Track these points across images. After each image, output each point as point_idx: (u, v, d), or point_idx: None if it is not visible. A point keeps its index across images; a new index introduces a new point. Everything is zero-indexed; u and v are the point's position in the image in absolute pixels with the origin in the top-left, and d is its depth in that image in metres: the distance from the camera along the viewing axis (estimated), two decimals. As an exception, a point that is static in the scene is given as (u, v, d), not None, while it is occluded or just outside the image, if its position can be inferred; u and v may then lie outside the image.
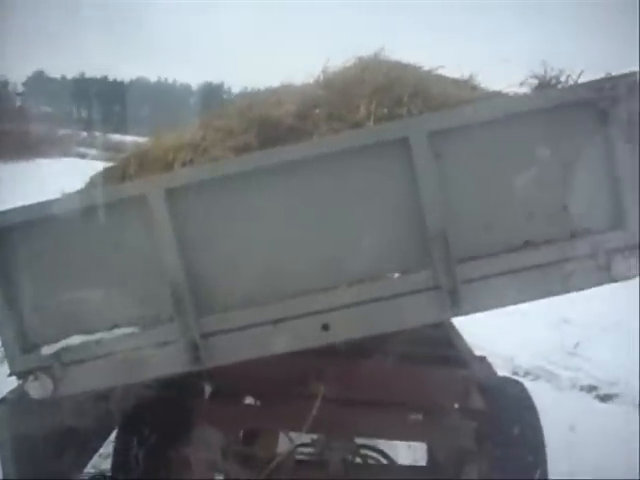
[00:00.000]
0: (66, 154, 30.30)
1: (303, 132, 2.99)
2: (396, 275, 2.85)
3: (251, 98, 3.57)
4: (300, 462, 3.84)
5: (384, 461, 4.00)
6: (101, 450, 4.07)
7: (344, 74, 3.27)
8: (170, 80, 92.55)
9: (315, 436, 3.77)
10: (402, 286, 2.83)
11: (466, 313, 2.91)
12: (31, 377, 2.86)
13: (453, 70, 3.35)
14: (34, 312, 2.88)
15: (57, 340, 2.87)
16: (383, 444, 4.17)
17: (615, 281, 2.81)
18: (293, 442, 3.58)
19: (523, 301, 2.85)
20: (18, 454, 3.00)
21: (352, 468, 3.86)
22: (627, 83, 2.74)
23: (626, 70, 2.78)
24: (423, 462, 4.45)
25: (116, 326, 2.88)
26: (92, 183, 3.40)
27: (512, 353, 8.94)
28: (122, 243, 2.87)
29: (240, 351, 2.87)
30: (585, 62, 2.95)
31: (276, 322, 2.83)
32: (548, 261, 2.79)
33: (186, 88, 77.30)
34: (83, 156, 26.63)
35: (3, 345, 2.89)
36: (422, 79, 3.20)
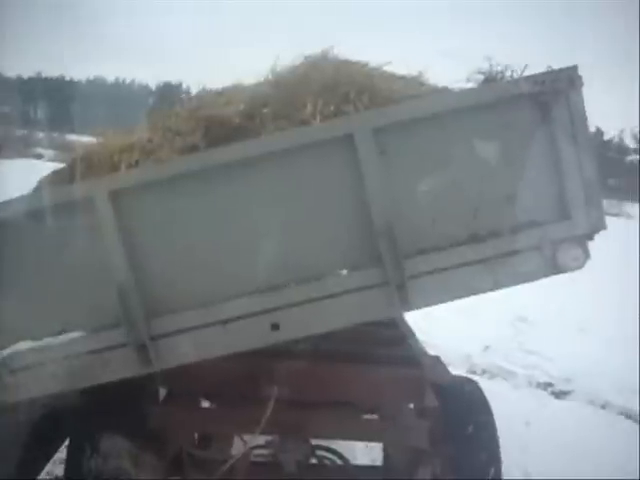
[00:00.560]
0: (22, 155, 29.83)
1: (250, 131, 2.97)
2: (344, 272, 2.86)
3: (201, 98, 3.54)
4: (255, 464, 3.82)
5: (339, 462, 4.00)
6: (55, 456, 4.00)
7: (292, 73, 3.27)
8: (128, 80, 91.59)
9: (270, 437, 3.75)
10: (351, 283, 2.83)
11: (415, 308, 2.93)
12: (-21, 384, 2.79)
13: (401, 68, 3.37)
14: None
15: (3, 347, 2.82)
16: (341, 445, 4.17)
17: (561, 272, 2.85)
18: (247, 444, 3.55)
19: (472, 294, 2.89)
20: None
21: (307, 469, 3.86)
22: (568, 76, 2.78)
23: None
24: (380, 462, 4.46)
25: (64, 331, 2.84)
26: (40, 186, 3.34)
27: (469, 352, 9.04)
28: (68, 246, 2.83)
29: (190, 352, 2.85)
30: (530, 60, 2.98)
31: (225, 322, 2.82)
32: (495, 253, 2.82)
33: (144, 88, 76.53)
34: (40, 157, 26.26)
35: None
36: (369, 76, 3.21)
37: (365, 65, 3.33)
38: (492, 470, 3.68)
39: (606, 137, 62.79)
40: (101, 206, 2.74)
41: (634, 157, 63.70)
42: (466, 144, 2.84)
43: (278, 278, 2.84)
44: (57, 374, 2.83)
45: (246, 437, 3.59)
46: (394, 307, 2.88)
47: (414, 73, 3.33)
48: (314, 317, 2.84)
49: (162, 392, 3.91)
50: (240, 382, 3.44)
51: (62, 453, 3.80)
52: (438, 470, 3.64)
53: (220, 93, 3.41)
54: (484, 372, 8.56)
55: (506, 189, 2.85)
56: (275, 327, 2.83)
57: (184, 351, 2.85)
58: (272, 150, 2.79)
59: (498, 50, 3.05)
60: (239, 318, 2.83)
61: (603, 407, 7.70)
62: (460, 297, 2.89)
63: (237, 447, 3.89)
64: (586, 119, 2.82)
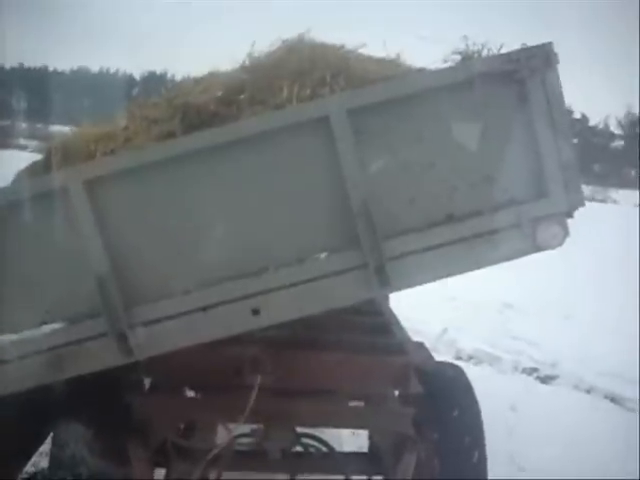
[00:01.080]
0: (5, 146, 29.61)
1: (227, 117, 2.94)
2: (323, 255, 2.83)
3: (178, 86, 3.51)
4: (240, 452, 3.82)
5: (324, 449, 4.00)
6: (41, 448, 3.99)
7: (268, 57, 3.24)
8: (112, 70, 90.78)
9: (255, 426, 3.75)
10: (330, 266, 2.81)
11: (396, 289, 2.93)
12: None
13: (378, 50, 3.35)
14: None
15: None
16: (327, 432, 4.17)
17: (541, 250, 2.84)
18: (231, 433, 3.55)
19: (452, 275, 2.86)
20: None
21: (292, 457, 3.85)
22: (544, 53, 2.76)
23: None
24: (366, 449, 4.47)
25: (44, 322, 2.81)
26: (17, 177, 3.32)
27: (455, 338, 9.09)
28: (47, 238, 2.80)
29: (171, 340, 2.83)
30: (505, 40, 2.96)
31: (206, 309, 2.80)
32: (474, 233, 2.80)
33: (129, 78, 75.97)
34: (23, 148, 26.03)
35: None
36: (345, 58, 3.19)
37: (341, 47, 3.31)
38: (476, 454, 3.70)
39: (591, 123, 63.22)
40: (76, 195, 2.71)
41: (619, 143, 64.20)
42: (443, 124, 2.81)
43: (257, 263, 2.82)
44: (38, 366, 2.80)
45: (231, 426, 3.58)
46: (373, 289, 2.84)
47: (392, 56, 3.32)
48: (295, 301, 2.82)
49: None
50: (224, 371, 3.42)
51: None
52: (422, 455, 3.65)
53: (198, 81, 3.39)
54: (470, 358, 8.62)
55: (484, 168, 2.83)
56: (256, 312, 2.81)
57: (165, 339, 2.82)
58: (248, 134, 2.76)
59: (480, 37, 3.02)
60: (219, 304, 2.80)
61: (588, 391, 7.79)
62: (441, 277, 2.87)
63: (221, 436, 3.89)
64: (562, 96, 2.80)
